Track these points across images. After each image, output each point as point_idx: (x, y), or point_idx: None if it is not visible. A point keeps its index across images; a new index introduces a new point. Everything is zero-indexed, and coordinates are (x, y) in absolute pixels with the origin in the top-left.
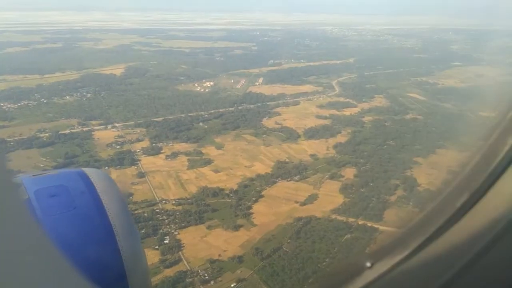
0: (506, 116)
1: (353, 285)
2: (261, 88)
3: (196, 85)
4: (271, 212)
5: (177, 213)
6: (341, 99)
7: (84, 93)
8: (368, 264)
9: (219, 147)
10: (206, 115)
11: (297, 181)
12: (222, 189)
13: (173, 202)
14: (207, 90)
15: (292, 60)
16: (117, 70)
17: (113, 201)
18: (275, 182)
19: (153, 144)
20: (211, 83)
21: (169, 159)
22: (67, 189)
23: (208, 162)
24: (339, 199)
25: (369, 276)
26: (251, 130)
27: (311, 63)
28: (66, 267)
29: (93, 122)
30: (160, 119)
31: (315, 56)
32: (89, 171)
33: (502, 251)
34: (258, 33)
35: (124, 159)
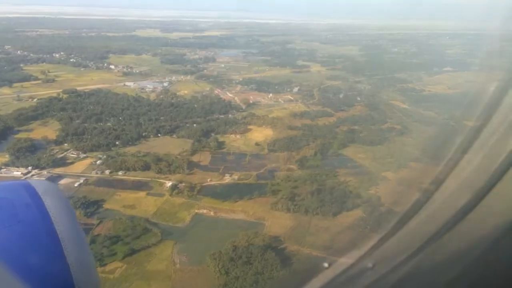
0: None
1: (312, 285)
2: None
3: None
4: None
5: None
6: (319, 107)
7: None
8: (326, 265)
9: None
10: None
11: None
12: None
13: None
14: None
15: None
16: None
17: (61, 214)
18: None
19: None
20: None
21: None
22: (10, 201)
23: None
24: None
25: (327, 276)
26: None
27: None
28: (10, 283)
29: None
30: None
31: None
32: (36, 183)
33: (452, 248)
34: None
35: None
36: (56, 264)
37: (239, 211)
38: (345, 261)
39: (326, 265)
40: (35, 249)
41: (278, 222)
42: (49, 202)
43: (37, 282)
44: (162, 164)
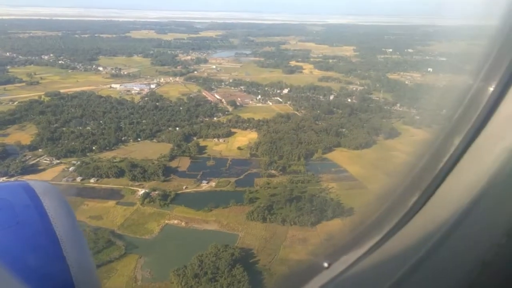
0: (452, 118)
1: (312, 285)
2: None
3: None
4: None
5: None
6: (308, 109)
7: None
8: (326, 264)
9: None
10: None
11: None
12: None
13: None
14: None
15: None
16: None
17: (60, 215)
18: None
19: None
20: None
21: None
22: (9, 202)
23: None
24: None
25: (326, 276)
26: None
27: None
28: (10, 285)
29: None
30: None
31: None
32: (35, 184)
33: (451, 248)
34: None
35: None
36: (55, 265)
37: (213, 221)
38: (345, 260)
39: (325, 265)
40: (35, 250)
41: (252, 233)
42: (48, 203)
43: (36, 283)
44: (137, 171)
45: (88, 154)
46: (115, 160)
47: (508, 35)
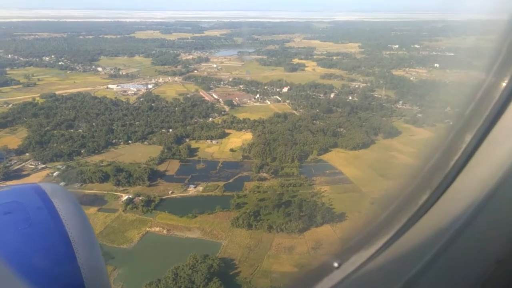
0: (463, 114)
1: (322, 285)
2: None
3: None
4: None
5: None
6: (307, 109)
7: None
8: (336, 265)
9: None
10: None
11: None
12: None
13: None
14: None
15: None
16: None
17: (72, 216)
18: None
19: None
20: None
21: None
22: (22, 205)
23: None
24: None
25: (337, 276)
26: None
27: None
28: (22, 285)
29: None
30: None
31: None
32: (46, 186)
33: (463, 247)
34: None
35: None
36: (67, 266)
37: (196, 229)
38: (355, 260)
39: (336, 265)
40: (47, 251)
41: (236, 241)
42: (60, 205)
43: (48, 284)
44: (122, 175)
45: (75, 157)
46: (102, 164)
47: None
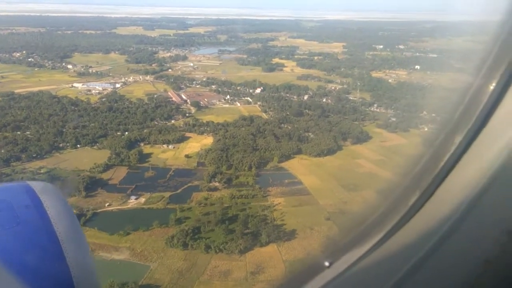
0: (452, 117)
1: (313, 284)
2: None
3: None
4: None
5: None
6: (276, 111)
7: None
8: (327, 264)
9: None
10: None
11: None
12: None
13: None
14: None
15: None
16: None
17: (60, 215)
18: None
19: None
20: None
21: None
22: (9, 204)
23: None
24: None
25: (327, 275)
26: None
27: None
28: (10, 284)
29: None
30: None
31: None
32: (35, 184)
33: (453, 247)
34: None
35: None
36: (55, 265)
37: (125, 249)
38: (346, 260)
39: (327, 264)
40: (35, 250)
41: (167, 263)
42: (48, 203)
43: (37, 283)
44: (57, 185)
45: (13, 163)
46: (40, 172)
47: (510, 32)
